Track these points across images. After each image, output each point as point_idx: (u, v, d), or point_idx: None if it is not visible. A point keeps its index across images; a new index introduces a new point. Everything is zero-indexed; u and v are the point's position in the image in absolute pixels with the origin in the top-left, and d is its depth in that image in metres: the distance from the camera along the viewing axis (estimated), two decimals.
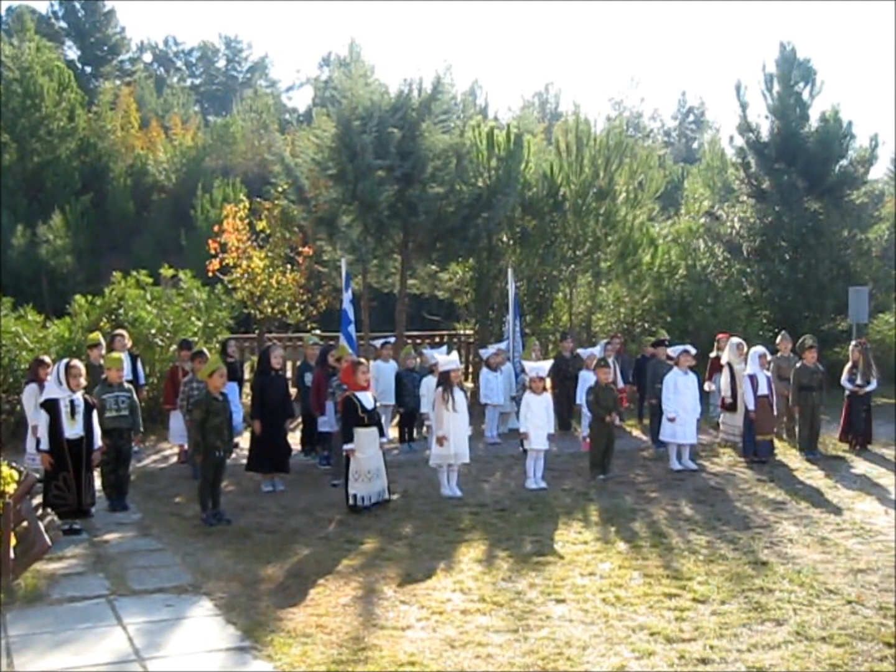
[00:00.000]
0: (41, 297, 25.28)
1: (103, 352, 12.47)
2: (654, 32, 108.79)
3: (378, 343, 15.54)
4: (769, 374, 13.50)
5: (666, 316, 19.82)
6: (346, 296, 15.34)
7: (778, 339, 15.16)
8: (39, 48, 33.90)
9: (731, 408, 13.97)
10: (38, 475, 8.76)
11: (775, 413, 13.58)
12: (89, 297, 15.67)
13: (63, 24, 57.41)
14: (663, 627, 6.75)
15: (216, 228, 18.45)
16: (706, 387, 15.31)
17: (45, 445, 9.32)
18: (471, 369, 19.89)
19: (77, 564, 8.30)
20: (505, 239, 19.17)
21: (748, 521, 9.90)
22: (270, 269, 18.05)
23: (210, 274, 17.86)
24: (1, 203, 29.37)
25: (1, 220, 29.06)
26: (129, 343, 13.43)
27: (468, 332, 20.47)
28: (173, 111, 48.33)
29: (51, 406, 9.34)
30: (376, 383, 13.10)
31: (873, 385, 14.26)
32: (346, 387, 10.70)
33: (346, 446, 10.17)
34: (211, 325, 16.15)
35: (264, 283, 17.99)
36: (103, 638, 6.53)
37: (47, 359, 11.56)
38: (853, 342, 14.99)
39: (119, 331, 13.63)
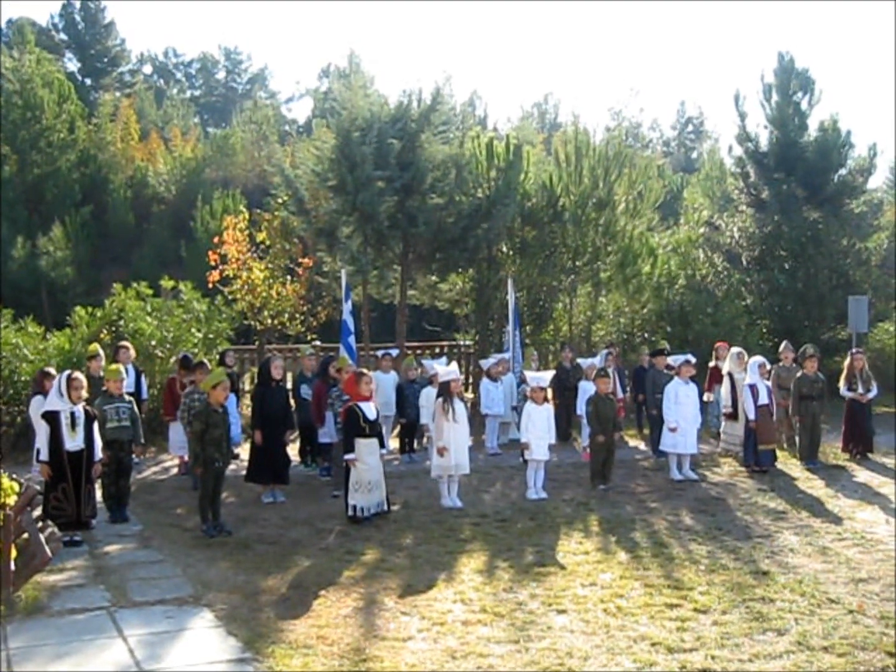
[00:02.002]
0: (41, 308, 25.31)
1: (102, 363, 12.43)
2: (654, 43, 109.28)
3: (379, 354, 15.54)
4: (769, 383, 13.51)
5: (666, 326, 19.80)
6: (346, 307, 15.37)
7: (780, 349, 15.16)
8: (39, 60, 33.95)
9: (731, 417, 13.97)
10: (38, 487, 8.76)
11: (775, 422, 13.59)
12: (90, 309, 15.66)
13: (63, 36, 57.62)
14: (664, 638, 6.74)
15: (216, 240, 18.44)
16: (706, 397, 15.29)
17: (44, 456, 9.33)
18: (471, 380, 19.89)
19: (78, 576, 8.28)
20: (505, 249, 19.19)
21: (749, 531, 9.89)
22: (270, 281, 18.05)
23: (210, 285, 17.85)
24: (1, 215, 29.41)
25: (1, 232, 29.10)
26: (133, 355, 13.37)
27: (468, 342, 20.47)
28: (173, 123, 48.50)
29: (51, 418, 9.35)
30: (376, 394, 13.09)
31: (874, 392, 14.31)
32: (346, 397, 10.70)
33: (348, 456, 10.17)
34: (211, 336, 16.14)
35: (264, 294, 17.98)
36: (104, 650, 6.52)
37: (53, 370, 11.51)
38: (853, 350, 14.99)
39: (123, 343, 13.58)
